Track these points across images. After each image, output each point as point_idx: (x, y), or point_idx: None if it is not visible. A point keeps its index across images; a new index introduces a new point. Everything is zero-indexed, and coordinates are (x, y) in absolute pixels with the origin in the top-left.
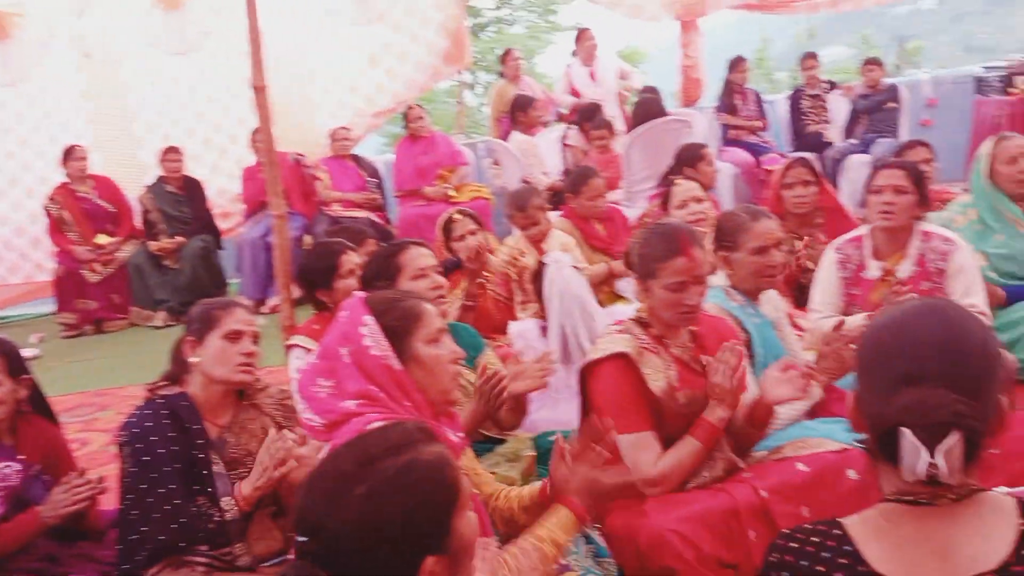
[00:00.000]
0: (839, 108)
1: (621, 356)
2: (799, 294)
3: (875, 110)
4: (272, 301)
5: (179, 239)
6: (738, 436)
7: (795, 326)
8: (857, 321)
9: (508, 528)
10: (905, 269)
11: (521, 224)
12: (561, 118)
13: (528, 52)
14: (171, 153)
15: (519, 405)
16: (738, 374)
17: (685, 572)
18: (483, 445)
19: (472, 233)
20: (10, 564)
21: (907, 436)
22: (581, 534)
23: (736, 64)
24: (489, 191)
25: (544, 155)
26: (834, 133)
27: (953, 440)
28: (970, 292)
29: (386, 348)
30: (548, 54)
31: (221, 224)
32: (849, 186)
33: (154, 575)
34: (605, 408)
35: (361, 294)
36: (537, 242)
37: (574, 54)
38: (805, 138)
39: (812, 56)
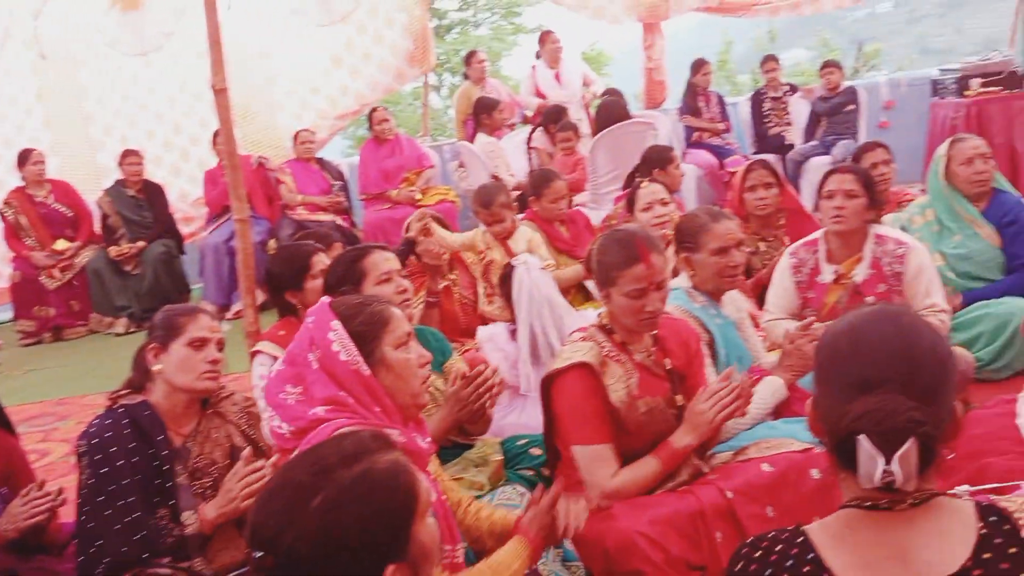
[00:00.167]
0: (800, 111)
1: (583, 366)
2: (762, 295)
3: (834, 113)
4: (236, 306)
5: (140, 244)
6: None
7: (758, 327)
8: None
9: (474, 546)
10: (860, 272)
11: (486, 221)
12: (526, 120)
13: (493, 54)
14: (131, 156)
15: (482, 412)
16: (725, 413)
17: (653, 575)
18: (451, 450)
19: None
20: None
21: (863, 443)
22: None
23: (699, 66)
24: (455, 194)
25: (510, 157)
26: (795, 135)
27: (909, 447)
28: (929, 292)
29: (354, 353)
30: (513, 56)
31: (183, 228)
32: (810, 188)
33: None
34: (565, 418)
35: (327, 299)
36: (503, 239)
37: (538, 56)
38: (767, 140)
39: (773, 59)
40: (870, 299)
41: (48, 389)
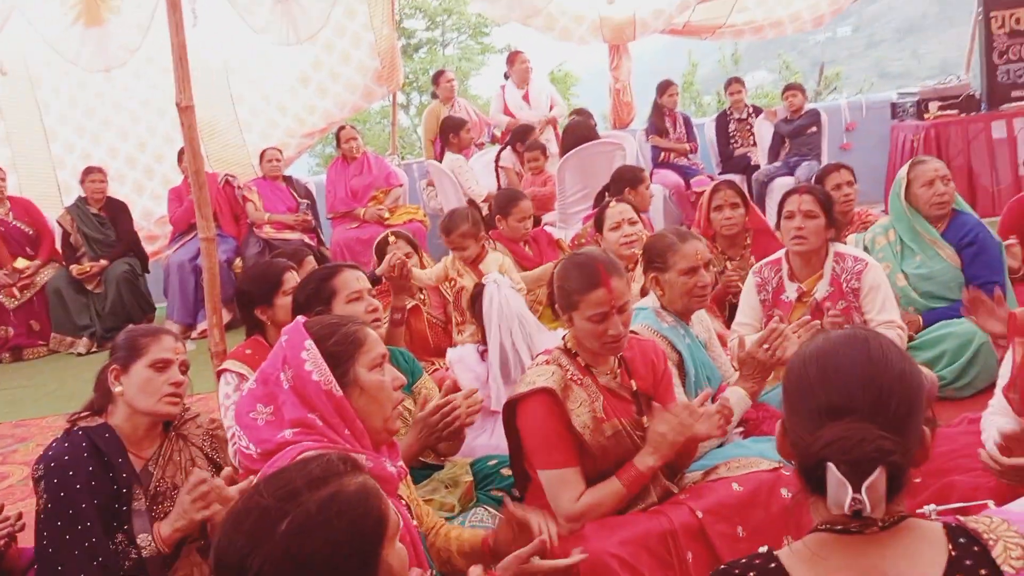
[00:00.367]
0: (764, 132)
1: (545, 391)
2: (730, 314)
3: (798, 134)
4: (201, 326)
5: (102, 262)
6: (667, 464)
7: (725, 346)
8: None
9: (444, 568)
10: (821, 290)
11: (450, 247)
12: (495, 139)
13: (461, 74)
14: (94, 174)
15: (456, 434)
16: (685, 434)
17: None
18: (421, 472)
19: (407, 256)
20: None
21: (832, 471)
22: None
23: (665, 87)
24: (424, 213)
25: (478, 176)
26: (760, 156)
27: (877, 476)
28: (885, 308)
29: (327, 374)
30: (481, 75)
31: (146, 247)
32: (775, 208)
33: None
34: (530, 443)
35: (302, 318)
36: (473, 265)
37: (507, 76)
38: (733, 161)
39: (738, 81)
40: (832, 311)
41: (7, 411)
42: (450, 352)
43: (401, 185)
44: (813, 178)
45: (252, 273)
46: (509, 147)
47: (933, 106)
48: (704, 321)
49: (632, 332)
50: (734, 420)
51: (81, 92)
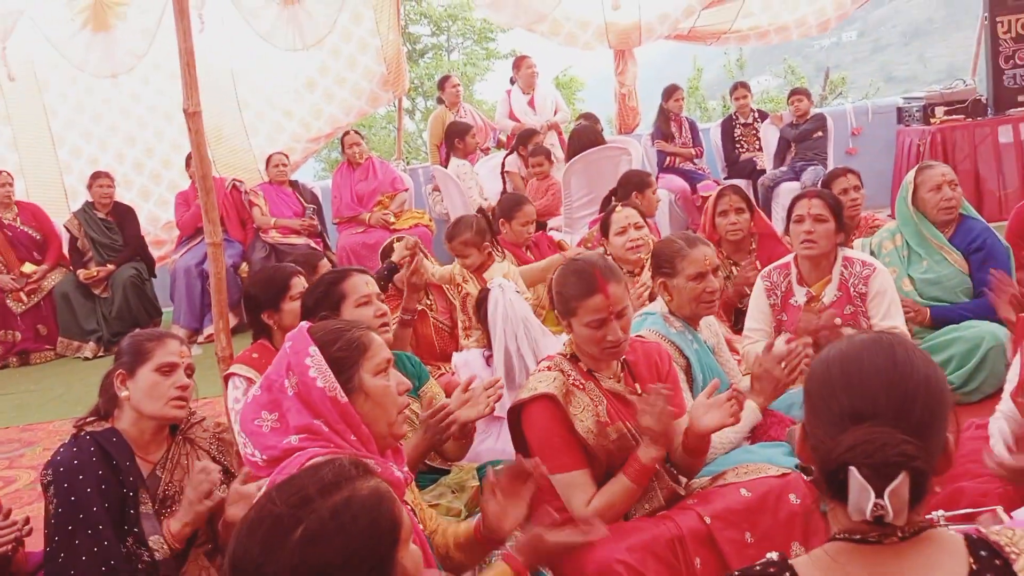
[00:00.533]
0: (769, 137)
1: (546, 397)
2: (737, 319)
3: (804, 139)
4: (208, 330)
5: (109, 267)
6: (679, 465)
7: (733, 351)
8: (782, 342)
9: (444, 564)
10: (829, 294)
11: (453, 253)
12: (501, 144)
13: (466, 79)
14: (101, 179)
15: (465, 435)
16: (666, 415)
17: None
18: (428, 476)
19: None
20: None
21: (854, 475)
22: None
23: (671, 92)
24: (429, 218)
25: (484, 181)
26: (765, 161)
27: (900, 481)
28: (890, 314)
29: (331, 380)
30: (486, 81)
31: (153, 252)
32: (781, 212)
33: None
34: (536, 448)
35: (305, 324)
36: (478, 273)
37: (513, 80)
38: (738, 165)
39: (743, 86)
40: (837, 319)
41: (14, 415)
42: (455, 356)
43: (407, 190)
44: (820, 183)
45: (259, 277)
46: (515, 152)
47: (939, 111)
48: (712, 326)
49: (639, 336)
50: (745, 431)
51: (88, 97)
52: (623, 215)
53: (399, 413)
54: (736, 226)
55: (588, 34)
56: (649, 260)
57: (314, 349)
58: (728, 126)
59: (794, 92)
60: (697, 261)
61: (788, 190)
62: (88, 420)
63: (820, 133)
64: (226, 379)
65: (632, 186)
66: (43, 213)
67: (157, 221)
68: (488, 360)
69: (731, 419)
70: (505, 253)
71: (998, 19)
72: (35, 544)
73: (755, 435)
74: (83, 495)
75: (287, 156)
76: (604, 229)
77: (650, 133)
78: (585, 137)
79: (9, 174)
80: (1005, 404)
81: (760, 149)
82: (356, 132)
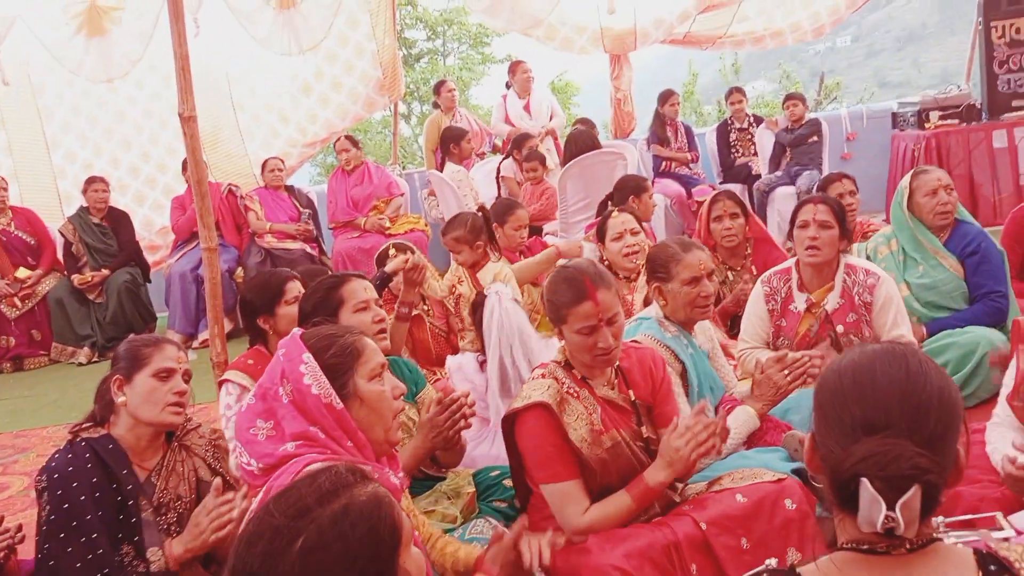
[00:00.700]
0: (765, 141)
1: (540, 406)
2: (732, 324)
3: (799, 144)
4: (203, 335)
5: (104, 272)
6: None
7: (729, 356)
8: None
9: None
10: (831, 301)
11: (447, 248)
12: (496, 149)
13: (462, 84)
14: (96, 183)
15: (455, 443)
16: (701, 450)
17: None
18: (423, 483)
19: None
20: None
21: (866, 487)
22: None
23: (667, 97)
24: (425, 222)
25: (480, 186)
26: (761, 165)
27: (912, 494)
28: (897, 324)
29: (326, 386)
30: (482, 85)
31: (147, 257)
32: (777, 217)
33: None
34: (530, 457)
35: (298, 331)
36: (472, 272)
37: (508, 85)
38: (734, 170)
39: (739, 91)
40: (839, 327)
41: (7, 421)
42: (449, 360)
43: (402, 194)
44: (815, 187)
45: (254, 283)
46: (510, 156)
47: (934, 115)
48: (707, 331)
49: (634, 342)
50: (742, 437)
51: (84, 102)
52: (619, 220)
53: (395, 418)
54: (731, 231)
55: (584, 39)
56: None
57: (308, 356)
58: (723, 131)
59: (789, 97)
60: (692, 265)
61: (783, 195)
62: (84, 426)
63: (815, 138)
64: (220, 385)
65: (629, 191)
66: (37, 218)
67: (152, 226)
68: (482, 365)
69: (715, 452)
70: (500, 253)
71: (992, 24)
72: (28, 552)
73: (751, 440)
74: (77, 502)
75: (283, 161)
76: (600, 234)
77: (646, 138)
78: (582, 141)
79: (3, 179)
80: (1001, 409)
81: (755, 154)
82: (347, 138)
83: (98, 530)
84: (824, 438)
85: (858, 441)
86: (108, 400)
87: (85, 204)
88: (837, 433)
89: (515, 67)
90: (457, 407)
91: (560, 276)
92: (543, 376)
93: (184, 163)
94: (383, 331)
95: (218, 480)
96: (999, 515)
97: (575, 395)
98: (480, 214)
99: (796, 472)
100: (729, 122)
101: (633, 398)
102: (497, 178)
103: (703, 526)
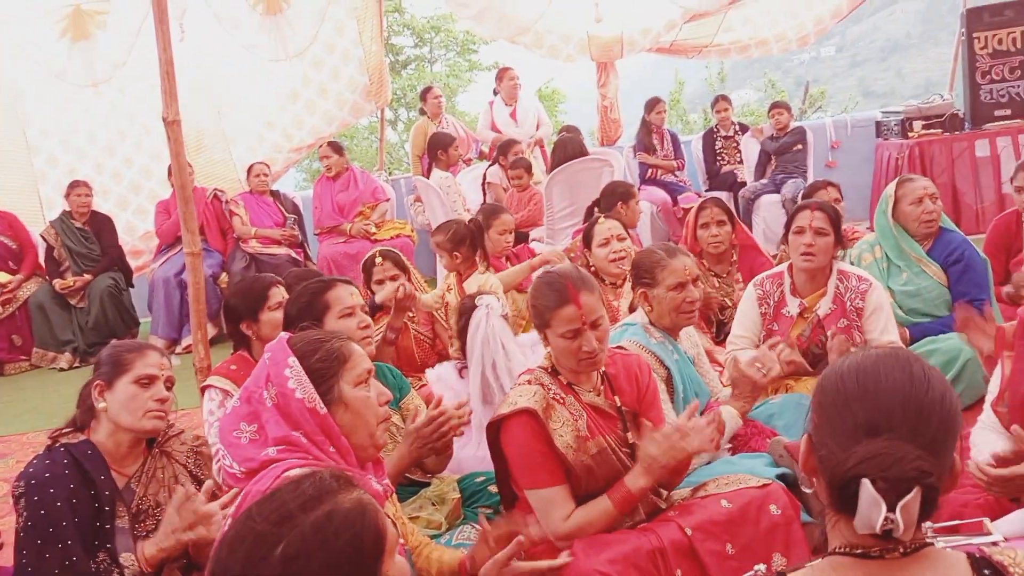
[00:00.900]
0: (750, 149)
1: (526, 412)
2: (718, 331)
3: (784, 152)
4: (186, 341)
5: (86, 277)
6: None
7: (714, 362)
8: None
9: None
10: (824, 307)
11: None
12: (483, 156)
13: (448, 90)
14: (79, 188)
15: (444, 449)
16: (676, 456)
17: None
18: (408, 489)
19: (393, 278)
20: None
21: (867, 488)
22: None
23: (653, 105)
24: (411, 228)
25: (466, 192)
26: (746, 173)
27: (913, 496)
28: (887, 330)
29: (311, 391)
30: (469, 92)
31: (130, 262)
32: (762, 224)
33: None
34: (515, 463)
35: (285, 335)
36: (459, 281)
37: (496, 92)
38: (719, 178)
39: (725, 99)
40: (830, 332)
41: None
42: (429, 372)
43: (388, 200)
44: (800, 195)
45: (238, 288)
46: (496, 163)
47: (917, 125)
48: (692, 337)
49: (620, 348)
50: (724, 438)
51: (67, 106)
52: (606, 227)
53: (380, 424)
54: (718, 238)
55: (570, 47)
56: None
57: (293, 360)
58: (709, 139)
59: (774, 105)
60: (677, 271)
61: (768, 202)
62: (63, 432)
63: (800, 146)
64: (203, 391)
65: (617, 197)
66: (19, 222)
67: (135, 231)
68: (461, 372)
69: (710, 445)
70: (488, 264)
71: (975, 35)
72: (7, 559)
73: (736, 446)
74: (53, 509)
75: (268, 166)
76: (587, 241)
77: (632, 145)
78: (570, 148)
79: None
80: (986, 415)
81: (741, 162)
82: (329, 145)
83: (73, 537)
84: (824, 438)
85: (860, 443)
86: (89, 406)
87: (67, 208)
88: (839, 434)
89: (503, 74)
90: (444, 420)
91: (543, 280)
92: (529, 382)
93: (170, 168)
94: (368, 337)
95: (209, 483)
96: (986, 520)
97: (561, 401)
98: (470, 224)
99: (781, 478)
100: (715, 130)
101: (619, 404)
102: (483, 184)
103: (688, 532)
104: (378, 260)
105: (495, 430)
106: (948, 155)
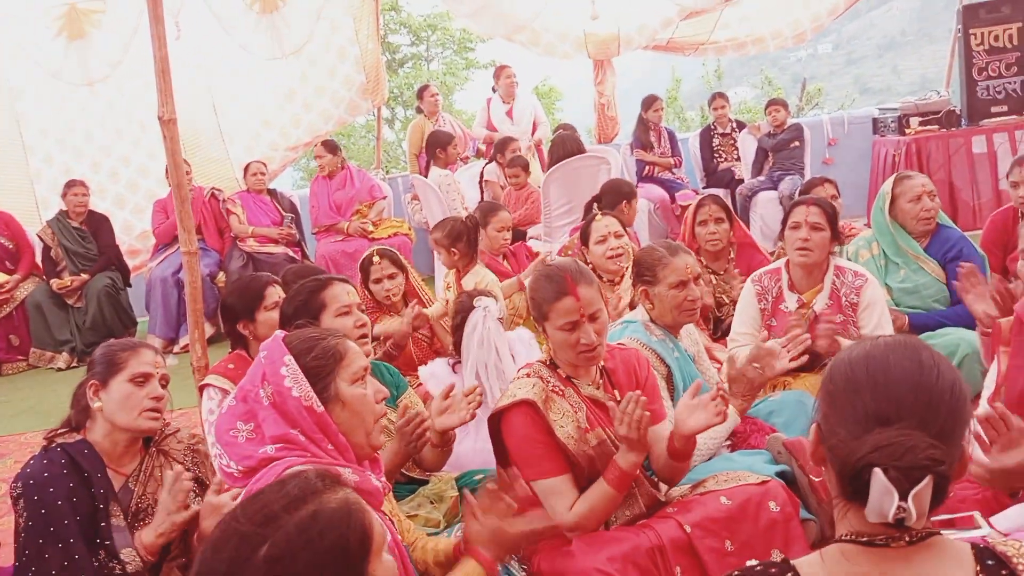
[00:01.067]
0: (747, 146)
1: (526, 403)
2: (716, 328)
3: (781, 149)
4: (184, 340)
5: (83, 276)
6: (663, 473)
7: (713, 359)
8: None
9: None
10: (820, 302)
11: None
12: (480, 154)
13: (445, 88)
14: (76, 187)
15: (445, 443)
16: (643, 423)
17: None
18: (406, 487)
19: (391, 277)
20: None
21: (879, 477)
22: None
23: (650, 102)
24: (409, 226)
25: (464, 190)
26: (744, 170)
27: (925, 485)
28: (881, 325)
29: (307, 389)
30: (465, 90)
31: (128, 261)
32: (759, 221)
33: None
34: (517, 455)
35: (281, 333)
36: (458, 279)
37: (493, 89)
38: (717, 175)
39: (722, 96)
40: (826, 323)
41: None
42: (422, 370)
43: (385, 198)
44: (797, 192)
45: (235, 287)
46: (493, 161)
47: (914, 121)
48: (692, 335)
49: (618, 344)
50: (723, 435)
51: (63, 105)
52: (603, 224)
53: (376, 422)
54: (716, 236)
55: (567, 44)
56: (629, 269)
57: (289, 358)
58: (706, 136)
59: (771, 103)
60: (679, 269)
61: (766, 199)
62: (60, 432)
63: (797, 143)
64: (201, 390)
65: (621, 196)
66: (16, 222)
67: (132, 230)
68: (454, 367)
69: (717, 418)
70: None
71: (971, 31)
72: (5, 559)
73: (735, 443)
74: (53, 508)
75: (265, 165)
76: (584, 238)
77: (629, 143)
78: (568, 146)
79: None
80: (983, 410)
81: (738, 159)
82: (324, 144)
83: (74, 536)
84: (833, 427)
85: (870, 431)
86: (84, 405)
87: (64, 208)
88: (850, 423)
89: (500, 71)
90: (419, 420)
91: (542, 274)
92: (528, 375)
93: (167, 167)
94: (365, 336)
95: (218, 477)
96: (977, 515)
97: (560, 393)
98: (467, 220)
99: (780, 475)
100: (712, 127)
101: (618, 397)
102: (480, 182)
103: (687, 528)
104: (376, 258)
105: (496, 423)
106: (945, 151)
